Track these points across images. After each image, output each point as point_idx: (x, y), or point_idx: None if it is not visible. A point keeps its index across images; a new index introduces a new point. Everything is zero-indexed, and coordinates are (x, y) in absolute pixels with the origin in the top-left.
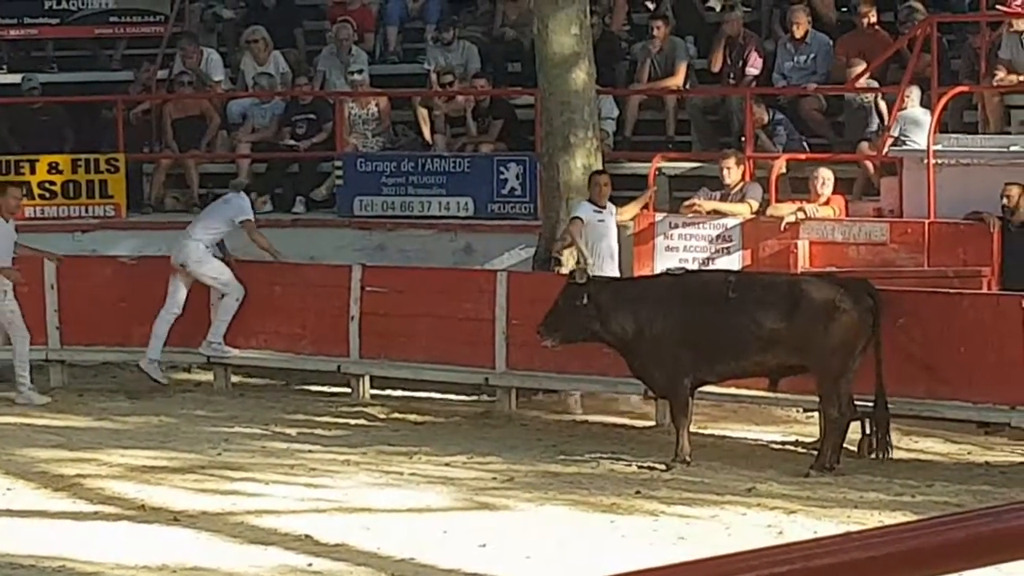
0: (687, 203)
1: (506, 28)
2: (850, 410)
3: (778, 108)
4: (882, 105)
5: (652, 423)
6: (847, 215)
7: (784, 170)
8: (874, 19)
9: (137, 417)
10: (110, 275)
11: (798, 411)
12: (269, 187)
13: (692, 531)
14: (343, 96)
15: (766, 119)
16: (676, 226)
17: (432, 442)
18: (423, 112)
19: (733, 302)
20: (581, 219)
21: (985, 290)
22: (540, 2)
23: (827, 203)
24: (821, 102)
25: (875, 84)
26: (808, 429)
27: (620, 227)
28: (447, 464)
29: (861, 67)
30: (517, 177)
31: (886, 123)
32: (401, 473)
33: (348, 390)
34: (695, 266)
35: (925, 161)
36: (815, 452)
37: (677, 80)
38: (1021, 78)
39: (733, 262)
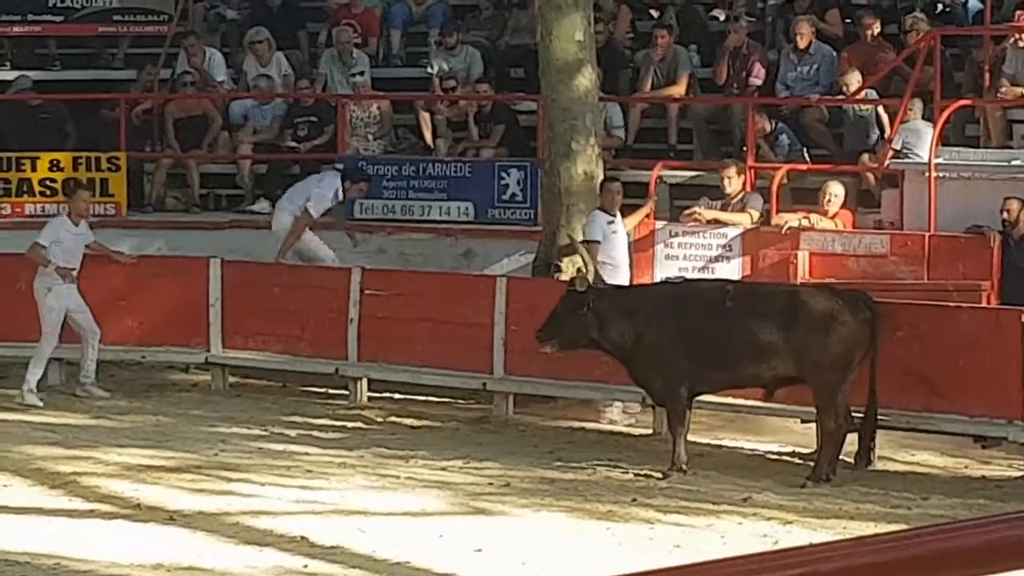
0: (687, 212)
1: (506, 37)
2: (847, 421)
3: (780, 118)
4: (884, 117)
5: (649, 431)
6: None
7: (785, 180)
8: (877, 31)
9: (134, 416)
10: (109, 274)
11: (795, 421)
12: (270, 188)
13: (688, 539)
14: (345, 99)
15: (768, 129)
16: (676, 235)
17: (429, 446)
18: (425, 116)
19: (731, 312)
20: (598, 242)
21: (984, 304)
22: (544, 9)
23: (834, 217)
24: (823, 113)
25: (874, 95)
26: (805, 440)
27: None
28: (443, 468)
29: (856, 77)
30: (518, 183)
31: (887, 135)
32: (397, 477)
33: (346, 393)
34: (694, 275)
35: (926, 174)
36: (812, 463)
37: (680, 89)
38: None
39: (733, 272)
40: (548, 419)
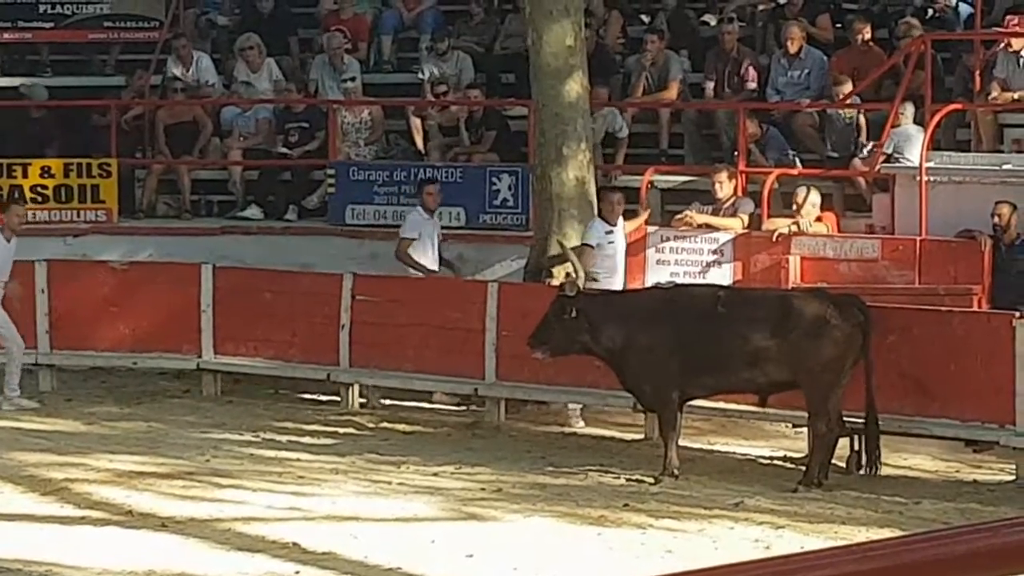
0: (679, 216)
1: (498, 43)
2: (838, 426)
3: (771, 123)
4: (862, 123)
5: (641, 436)
6: (838, 231)
7: (776, 185)
8: (868, 36)
9: (126, 422)
10: (101, 280)
11: (787, 426)
12: (261, 194)
13: (679, 544)
14: (336, 104)
15: (759, 134)
16: (667, 239)
17: (421, 452)
18: (416, 121)
19: (722, 317)
20: (591, 246)
21: (975, 308)
22: (535, 14)
23: (819, 220)
24: (814, 118)
25: (858, 100)
26: (797, 444)
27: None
28: (435, 474)
29: (847, 84)
30: (509, 188)
31: (870, 140)
32: (389, 482)
33: (337, 399)
34: (686, 280)
35: (917, 178)
36: (803, 468)
37: (671, 94)
38: (1015, 96)
39: (724, 276)
40: (539, 424)
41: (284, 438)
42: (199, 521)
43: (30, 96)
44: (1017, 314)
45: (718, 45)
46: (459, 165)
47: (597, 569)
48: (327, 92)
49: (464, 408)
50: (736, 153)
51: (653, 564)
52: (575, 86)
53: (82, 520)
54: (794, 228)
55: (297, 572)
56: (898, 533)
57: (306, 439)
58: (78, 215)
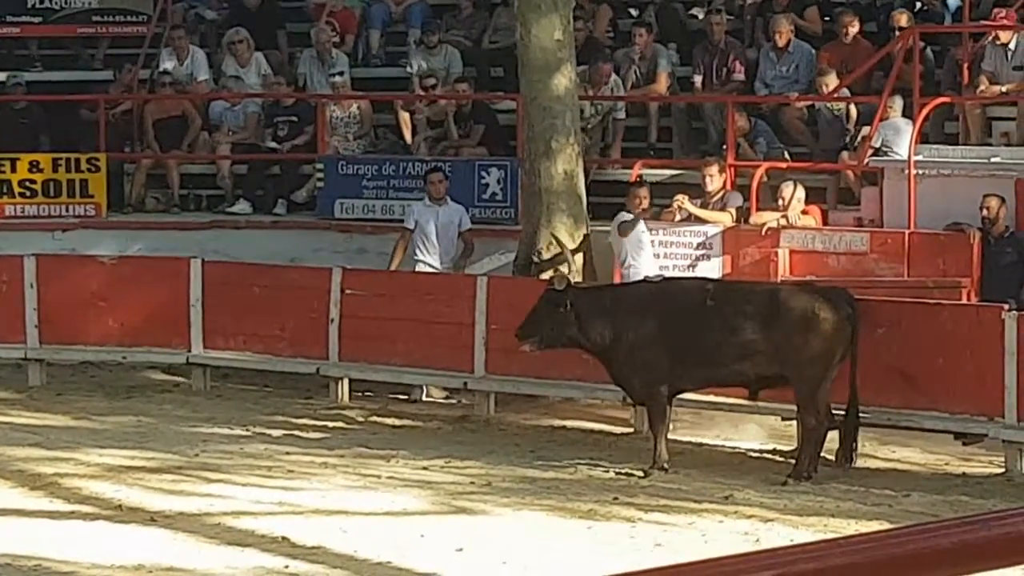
0: (673, 201)
1: (487, 36)
2: (828, 419)
3: (760, 117)
4: (851, 116)
5: (631, 429)
6: (824, 225)
7: (765, 179)
8: (856, 29)
9: (115, 417)
10: (90, 274)
11: (776, 419)
12: (250, 189)
13: (669, 538)
14: (324, 98)
15: (748, 127)
16: (656, 233)
17: (410, 446)
18: (405, 116)
19: (711, 310)
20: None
21: (964, 301)
22: (523, 7)
23: (804, 213)
24: (803, 111)
25: (847, 94)
26: (786, 437)
27: (598, 234)
28: (425, 468)
29: (831, 75)
30: (498, 182)
31: (860, 133)
32: (379, 476)
33: (326, 393)
34: (675, 274)
35: (906, 171)
36: (793, 460)
37: (659, 87)
38: (1003, 89)
39: (713, 270)
40: (529, 418)
41: (273, 432)
42: (188, 515)
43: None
44: (1006, 307)
45: (706, 38)
46: (448, 159)
47: (587, 563)
48: (315, 86)
49: (456, 402)
50: (724, 147)
51: (643, 557)
52: (563, 80)
53: (71, 515)
54: (783, 222)
55: (287, 566)
56: (887, 526)
57: (295, 433)
58: (67, 210)
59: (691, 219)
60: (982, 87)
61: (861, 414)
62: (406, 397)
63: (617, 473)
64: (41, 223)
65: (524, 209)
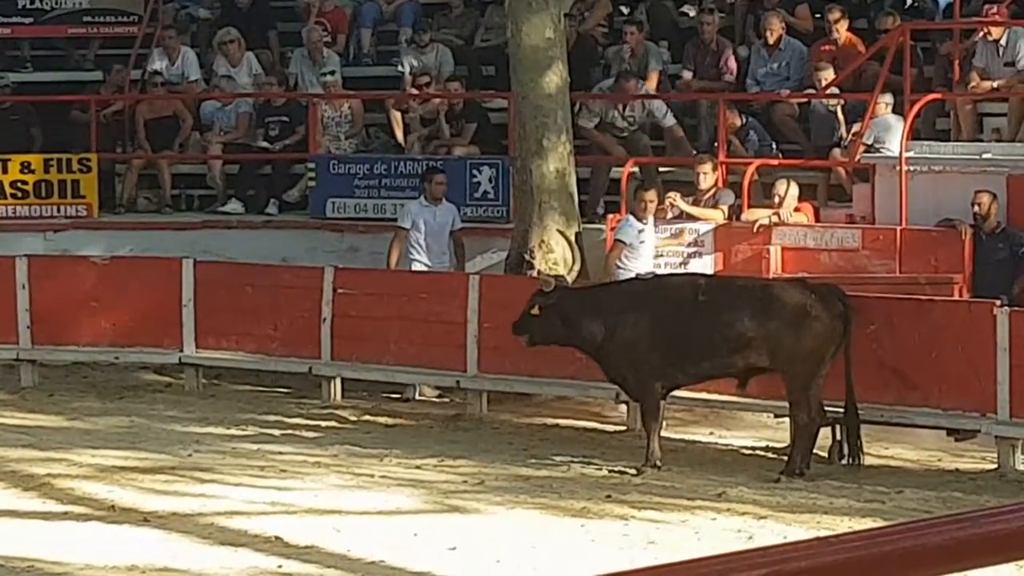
0: (665, 197)
1: (479, 35)
2: (820, 415)
3: (751, 114)
4: (840, 114)
5: (623, 427)
6: (816, 222)
7: (756, 176)
8: (846, 26)
9: (108, 417)
10: (82, 275)
11: (769, 416)
12: (242, 188)
13: (662, 535)
14: (316, 98)
15: (739, 124)
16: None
17: (403, 445)
18: (396, 115)
19: (703, 306)
20: (624, 243)
21: (956, 297)
22: (514, 6)
23: (797, 210)
24: (794, 108)
25: (836, 91)
26: (779, 434)
27: (590, 232)
28: (418, 467)
29: (829, 70)
30: (490, 180)
31: (851, 130)
32: (371, 475)
33: (319, 392)
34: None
35: (897, 168)
36: (785, 457)
37: (650, 85)
38: (994, 85)
39: (705, 267)
40: (522, 416)
41: (266, 432)
42: (182, 516)
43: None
44: (998, 303)
45: (697, 36)
46: (439, 158)
47: (580, 561)
48: (307, 86)
49: (448, 400)
50: (716, 144)
51: (636, 555)
52: (555, 78)
53: (64, 515)
54: (775, 219)
55: (280, 566)
56: (881, 523)
57: (288, 433)
58: (58, 210)
59: (683, 216)
60: (973, 83)
61: (859, 411)
62: (399, 396)
63: (610, 471)
64: (33, 224)
65: (516, 208)
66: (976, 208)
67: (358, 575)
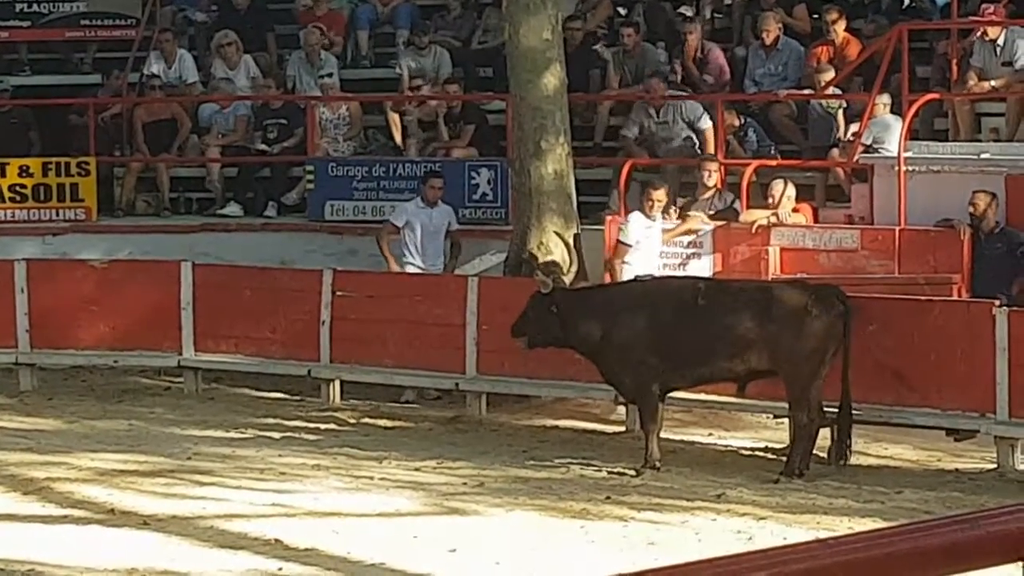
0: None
1: (476, 37)
2: (820, 416)
3: (749, 114)
4: (840, 114)
5: (622, 428)
6: (815, 223)
7: (754, 177)
8: (844, 26)
9: (107, 421)
10: (80, 279)
11: (768, 417)
12: (240, 191)
13: (662, 537)
14: (314, 100)
15: (737, 125)
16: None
17: (402, 447)
18: (394, 117)
19: (702, 308)
20: (628, 245)
21: (955, 297)
22: (512, 7)
23: (795, 211)
24: (792, 108)
25: (837, 91)
26: (778, 435)
27: (588, 234)
28: (417, 469)
29: (829, 72)
30: (488, 182)
31: (849, 130)
32: (371, 478)
33: (318, 395)
34: (666, 272)
35: (896, 168)
36: (785, 458)
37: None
38: (992, 85)
39: (704, 268)
40: (521, 418)
41: (265, 435)
42: (181, 519)
43: None
44: (996, 302)
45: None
46: (438, 160)
47: (580, 562)
48: (305, 88)
49: (438, 398)
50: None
51: (636, 556)
52: (553, 79)
53: (64, 519)
54: (773, 220)
55: (280, 568)
56: (880, 523)
57: (287, 435)
58: (57, 214)
59: (680, 219)
60: (971, 83)
61: (853, 411)
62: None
63: (609, 472)
64: (31, 227)
65: (514, 209)
66: (972, 208)
67: None
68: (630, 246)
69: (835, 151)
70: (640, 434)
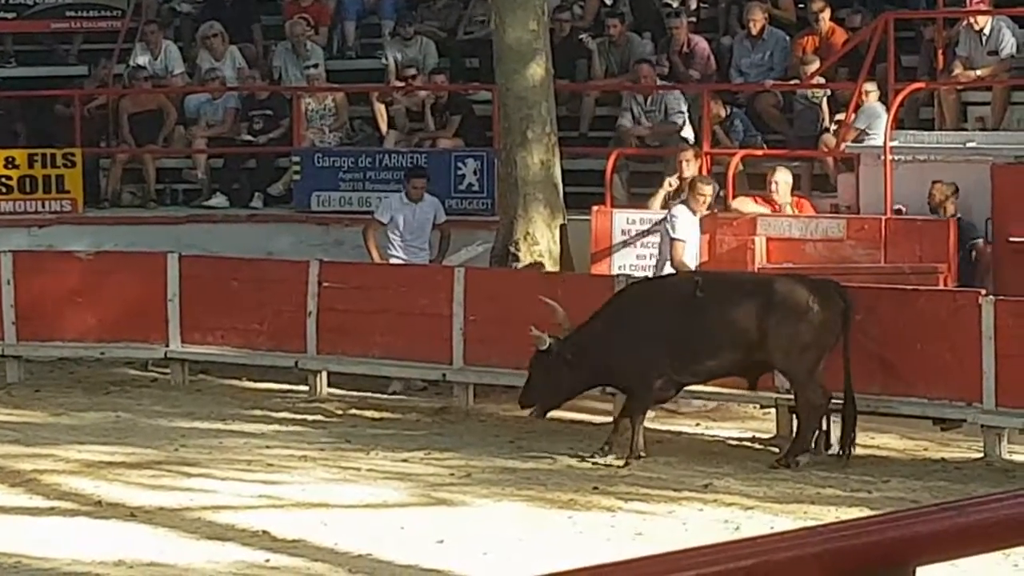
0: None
1: (462, 28)
2: (827, 398)
3: (735, 104)
4: (824, 103)
5: (610, 419)
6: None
7: (740, 167)
8: (828, 16)
9: (94, 413)
10: (67, 270)
11: (755, 407)
12: (226, 182)
13: (649, 527)
14: (300, 91)
15: (724, 115)
16: (634, 222)
17: (389, 438)
18: (380, 107)
19: (701, 303)
20: (684, 241)
21: (941, 286)
22: None
23: (797, 206)
24: (778, 98)
25: (822, 81)
26: (765, 426)
27: (575, 224)
28: (404, 460)
29: (815, 63)
30: (475, 172)
31: (835, 119)
32: (358, 469)
33: (305, 386)
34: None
35: (882, 157)
36: (772, 448)
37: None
38: (978, 74)
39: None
40: (508, 409)
41: (253, 426)
42: (168, 511)
43: None
44: (983, 291)
45: (670, 35)
46: (424, 150)
47: (567, 553)
48: (290, 79)
49: (424, 389)
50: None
51: (623, 547)
52: (539, 69)
53: (51, 511)
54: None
55: (267, 560)
56: (867, 512)
57: (275, 427)
58: (43, 205)
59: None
60: (957, 72)
61: (835, 400)
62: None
63: (596, 463)
64: (17, 219)
65: (501, 200)
66: (929, 199)
67: (345, 568)
68: (685, 242)
69: (828, 135)
70: (626, 424)
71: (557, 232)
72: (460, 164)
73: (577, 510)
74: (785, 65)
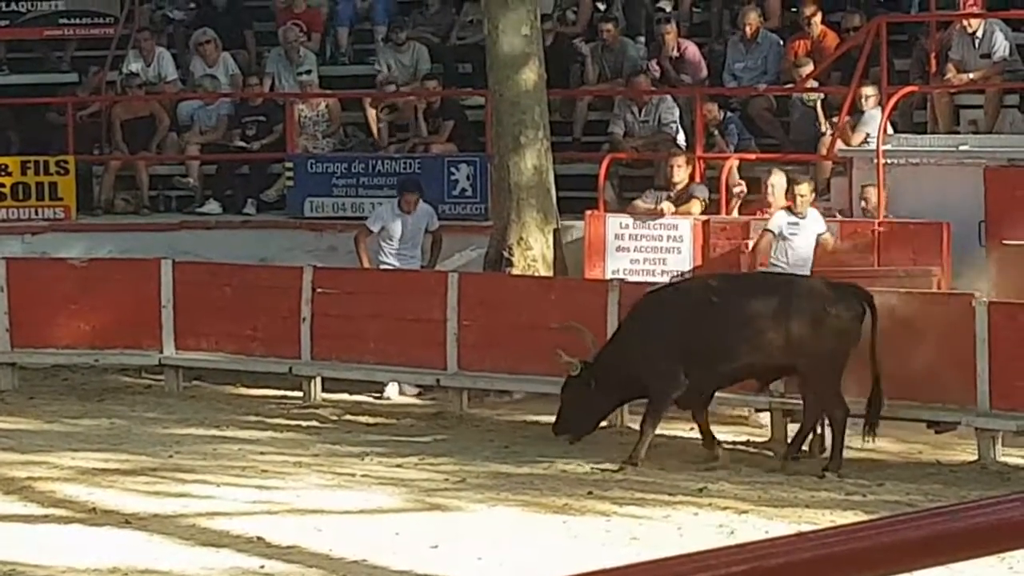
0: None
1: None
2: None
3: (729, 108)
4: (819, 106)
5: (604, 424)
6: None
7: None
8: (820, 20)
9: (88, 420)
10: (60, 277)
11: (750, 411)
12: (219, 189)
13: (644, 531)
14: (293, 97)
15: (719, 118)
16: (627, 227)
17: (384, 443)
18: (373, 113)
19: (718, 308)
20: (772, 232)
21: (935, 290)
22: (490, 3)
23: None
24: (771, 102)
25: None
26: (758, 430)
27: (568, 230)
28: (399, 465)
29: (808, 65)
30: (468, 178)
31: (828, 123)
32: (353, 475)
33: (299, 392)
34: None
35: (875, 161)
36: (767, 452)
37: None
38: (971, 77)
39: (684, 262)
40: (502, 413)
41: (247, 432)
42: (163, 517)
43: None
44: (976, 294)
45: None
46: (417, 156)
47: (562, 558)
48: (284, 85)
49: (419, 394)
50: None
51: (618, 551)
52: (531, 75)
53: (45, 518)
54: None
55: (262, 566)
56: (862, 516)
57: (269, 433)
58: (36, 213)
59: (660, 213)
60: (950, 75)
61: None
62: (378, 395)
63: (591, 468)
64: (10, 226)
65: (494, 205)
66: (864, 203)
67: (340, 574)
68: (775, 234)
69: (827, 138)
70: (622, 429)
71: (551, 237)
72: (453, 169)
73: (572, 515)
74: (778, 69)
